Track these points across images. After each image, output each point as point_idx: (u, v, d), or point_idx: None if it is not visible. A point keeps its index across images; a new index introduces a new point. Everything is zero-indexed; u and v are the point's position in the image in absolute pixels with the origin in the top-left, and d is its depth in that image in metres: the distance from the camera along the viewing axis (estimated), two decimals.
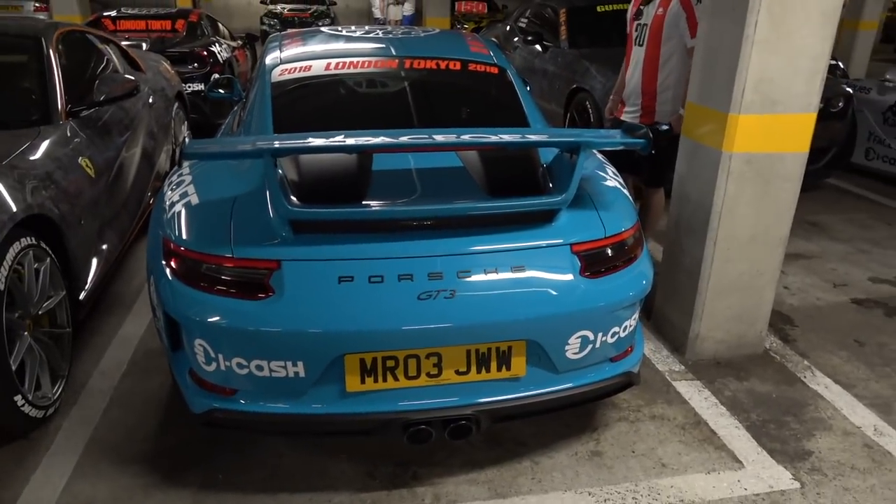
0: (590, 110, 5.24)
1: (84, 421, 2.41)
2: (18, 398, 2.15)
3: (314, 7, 16.27)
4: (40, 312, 2.38)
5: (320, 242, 1.89)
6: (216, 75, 6.31)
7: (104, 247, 3.04)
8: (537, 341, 1.95)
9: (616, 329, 2.08)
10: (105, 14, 7.40)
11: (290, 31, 3.42)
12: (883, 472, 2.25)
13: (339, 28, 3.42)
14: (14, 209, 2.20)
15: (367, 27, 3.50)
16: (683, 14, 3.16)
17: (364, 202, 1.95)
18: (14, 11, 13.09)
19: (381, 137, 1.86)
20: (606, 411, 2.50)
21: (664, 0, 3.22)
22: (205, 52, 6.39)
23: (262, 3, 17.11)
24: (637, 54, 3.37)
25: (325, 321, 1.82)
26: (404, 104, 2.66)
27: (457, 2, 15.27)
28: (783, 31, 2.40)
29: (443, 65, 2.82)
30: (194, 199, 2.13)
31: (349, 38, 3.14)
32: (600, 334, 2.03)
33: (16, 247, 2.19)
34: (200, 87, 6.15)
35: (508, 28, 7.42)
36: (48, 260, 2.44)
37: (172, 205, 2.17)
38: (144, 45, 6.04)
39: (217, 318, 1.85)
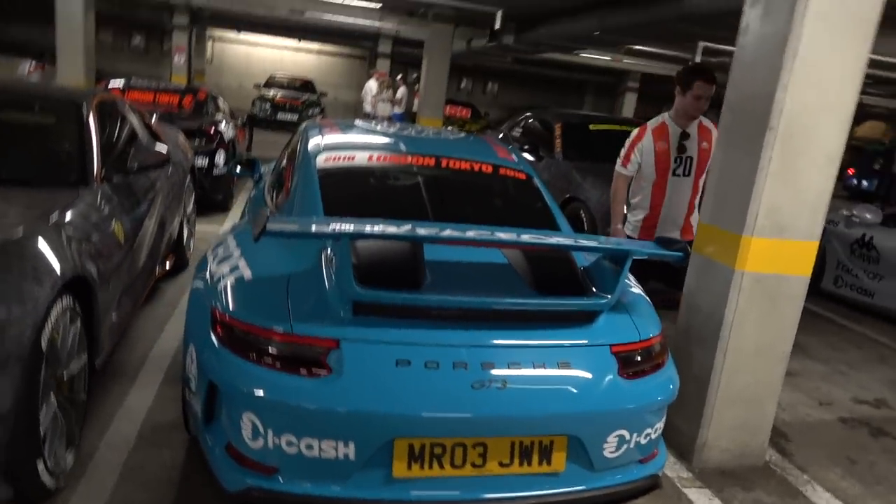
0: (583, 218, 5.51)
1: (93, 496, 2.31)
2: (40, 463, 2.07)
3: (306, 96, 16.90)
4: (63, 378, 2.34)
5: (379, 325, 1.96)
6: (221, 152, 6.49)
7: (120, 313, 3.02)
8: (579, 437, 2.01)
9: (648, 430, 2.15)
10: (115, 82, 7.59)
11: (325, 119, 3.61)
12: None
13: (373, 123, 3.62)
14: (66, 270, 2.22)
15: (399, 125, 3.71)
16: None
17: (422, 289, 2.04)
18: (6, 71, 13.21)
19: (448, 230, 1.99)
20: None
21: (705, 134, 3.52)
22: (212, 130, 6.57)
23: (255, 86, 17.67)
24: (681, 184, 3.53)
25: (381, 403, 1.85)
26: (441, 200, 2.81)
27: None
28: (793, 167, 2.66)
29: (476, 166, 3.00)
30: (247, 273, 2.19)
31: (385, 134, 3.33)
32: (635, 434, 2.11)
33: (58, 306, 2.19)
34: (205, 162, 6.28)
35: (502, 136, 7.83)
36: (78, 322, 2.42)
37: (222, 277, 2.22)
38: (154, 117, 6.19)
39: (273, 393, 1.86)
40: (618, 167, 3.62)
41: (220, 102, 8.30)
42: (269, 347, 1.93)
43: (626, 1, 6.88)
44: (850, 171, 15.94)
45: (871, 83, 13.02)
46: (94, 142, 3.22)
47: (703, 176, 3.48)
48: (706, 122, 3.56)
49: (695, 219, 3.54)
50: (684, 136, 3.48)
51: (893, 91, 14.76)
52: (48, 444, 2.17)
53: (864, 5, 2.52)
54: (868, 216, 5.72)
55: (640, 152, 3.53)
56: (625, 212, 3.70)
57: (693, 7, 5.74)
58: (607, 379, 2.06)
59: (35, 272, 2.09)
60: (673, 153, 3.47)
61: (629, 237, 3.60)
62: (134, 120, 4.27)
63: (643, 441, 2.15)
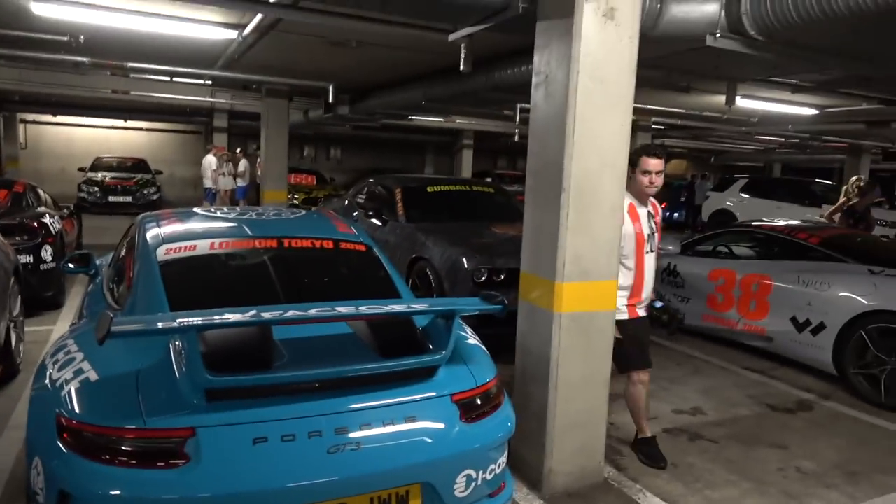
0: (430, 276, 5.86)
1: None
2: None
3: (139, 176, 16.16)
4: None
5: (234, 408, 2.07)
6: (47, 247, 6.13)
7: None
8: (430, 482, 2.22)
9: (492, 466, 2.42)
10: None
11: (162, 210, 3.64)
12: None
13: (212, 209, 3.71)
14: None
15: (238, 208, 3.82)
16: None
17: (272, 368, 2.18)
18: None
19: (291, 311, 2.16)
20: None
21: (655, 210, 3.69)
22: (36, 224, 6.18)
23: (79, 170, 16.60)
24: (651, 260, 3.60)
25: (243, 482, 1.96)
26: (287, 279, 2.97)
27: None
28: (587, 220, 3.15)
29: (317, 243, 3.21)
30: (93, 375, 2.21)
31: (226, 219, 3.44)
32: (481, 472, 2.36)
33: None
34: (30, 259, 5.89)
35: (347, 202, 8.10)
36: None
37: (65, 382, 2.22)
38: None
39: (131, 490, 1.90)
40: None
41: (41, 193, 7.79)
42: (123, 446, 1.97)
43: (443, 75, 7.53)
44: (663, 205, 18.07)
45: (669, 128, 15.01)
46: None
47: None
48: (653, 199, 3.66)
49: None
50: (650, 215, 3.59)
51: (686, 134, 17.11)
52: None
53: (621, 88, 3.11)
54: (669, 248, 6.61)
55: (625, 236, 3.43)
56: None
57: (500, 79, 6.46)
58: (450, 426, 2.31)
59: None
60: (646, 231, 3.52)
61: (621, 321, 3.49)
62: None
63: (489, 477, 2.41)
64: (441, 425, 2.30)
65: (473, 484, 2.33)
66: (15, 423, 3.71)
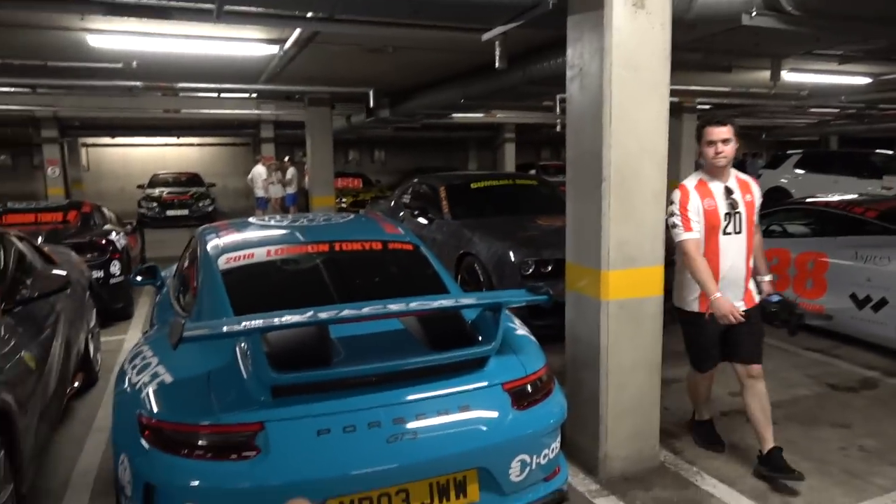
0: (478, 271, 5.95)
1: None
2: None
3: (193, 189, 16.76)
4: None
5: (298, 402, 2.21)
6: (115, 262, 6.49)
7: (38, 438, 3.06)
8: (487, 468, 2.32)
9: (546, 451, 2.50)
10: None
11: (220, 222, 3.84)
12: None
13: (266, 218, 3.89)
14: None
15: (290, 216, 4.00)
16: (760, 199, 3.35)
17: (331, 365, 2.31)
18: None
19: (346, 310, 2.29)
20: None
21: (745, 187, 3.27)
22: (104, 241, 6.55)
23: (138, 187, 17.35)
24: (735, 242, 3.21)
25: (309, 471, 2.09)
26: (340, 281, 3.11)
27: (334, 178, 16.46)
28: (629, 207, 3.18)
29: (367, 245, 3.34)
30: (168, 378, 2.39)
31: (280, 227, 3.62)
32: (534, 456, 2.44)
33: None
34: (100, 274, 6.25)
35: (393, 203, 8.27)
36: (2, 452, 2.50)
37: (144, 385, 2.40)
38: (40, 238, 6.13)
39: (208, 481, 2.06)
40: (681, 236, 3.20)
41: (106, 211, 8.24)
42: (199, 440, 2.13)
43: (480, 73, 7.59)
44: None
45: (715, 108, 14.67)
46: None
47: (754, 233, 3.29)
48: (743, 176, 3.33)
49: (752, 285, 3.32)
50: (728, 191, 3.22)
51: (733, 113, 16.65)
52: None
53: (656, 74, 3.13)
54: None
55: (694, 212, 3.20)
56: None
57: (536, 73, 6.47)
58: (503, 413, 2.40)
59: None
60: (722, 210, 3.19)
61: (691, 313, 3.30)
62: (23, 247, 4.31)
63: (543, 461, 2.49)
64: (494, 413, 2.39)
65: (528, 468, 2.42)
66: (98, 425, 3.98)
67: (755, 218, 3.30)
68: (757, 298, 3.34)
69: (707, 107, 13.99)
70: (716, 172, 3.24)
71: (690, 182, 3.26)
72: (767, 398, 3.36)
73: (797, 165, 14.62)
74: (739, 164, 18.29)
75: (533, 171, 18.26)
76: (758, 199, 3.32)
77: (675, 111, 13.29)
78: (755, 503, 3.08)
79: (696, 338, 3.38)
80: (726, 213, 3.20)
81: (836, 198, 6.50)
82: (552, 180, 9.79)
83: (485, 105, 12.34)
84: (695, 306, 3.28)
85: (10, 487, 2.56)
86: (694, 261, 3.18)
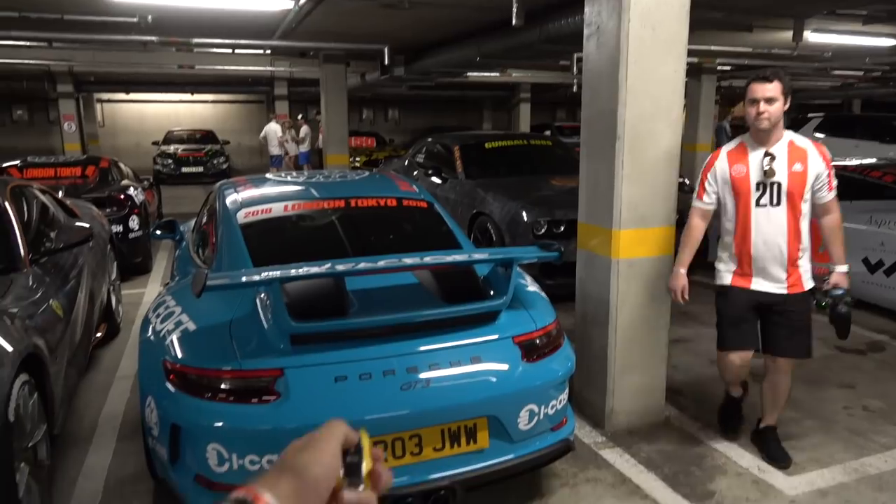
0: (491, 231, 6.00)
1: None
2: None
3: (208, 146, 16.81)
4: (29, 445, 2.54)
5: (316, 351, 2.30)
6: (134, 217, 6.60)
7: (68, 382, 3.20)
8: (496, 416, 2.41)
9: (554, 402, 2.58)
10: (8, 164, 7.51)
11: (238, 178, 3.90)
12: (769, 499, 2.83)
13: (282, 174, 3.94)
14: (19, 348, 2.43)
15: (306, 172, 4.05)
16: (826, 170, 2.86)
17: (348, 315, 2.39)
18: None
19: (362, 263, 2.36)
20: (549, 481, 2.94)
21: (798, 154, 2.83)
22: (122, 196, 6.65)
23: (153, 143, 17.42)
24: (770, 217, 2.85)
25: (326, 415, 2.16)
26: (355, 236, 3.18)
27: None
28: (642, 168, 3.20)
29: (381, 202, 3.39)
30: (191, 326, 2.48)
31: (297, 183, 3.67)
32: (542, 407, 2.53)
33: (18, 382, 2.40)
34: (119, 228, 6.36)
35: (407, 163, 8.28)
36: (35, 395, 2.62)
37: (168, 332, 2.50)
38: (60, 192, 6.23)
39: (231, 422, 2.17)
40: (692, 202, 3.08)
41: (123, 167, 8.33)
42: (222, 385, 2.23)
43: (496, 30, 7.50)
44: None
45: (735, 69, 14.37)
46: (15, 228, 3.39)
47: (801, 207, 2.85)
48: (801, 142, 2.88)
49: (805, 263, 2.93)
50: (768, 157, 2.83)
51: (755, 75, 16.30)
52: None
53: (673, 33, 3.10)
54: None
55: (714, 179, 2.95)
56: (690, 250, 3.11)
57: (554, 31, 6.39)
58: (513, 365, 2.48)
59: None
60: (754, 177, 2.85)
61: (721, 286, 3.06)
62: (47, 200, 4.41)
63: (551, 412, 2.58)
64: (504, 365, 2.47)
65: (536, 418, 2.50)
66: (122, 374, 4.13)
67: (807, 192, 2.84)
68: (808, 285, 2.94)
69: (727, 68, 13.73)
70: (758, 136, 2.87)
71: (729, 146, 2.99)
72: (787, 393, 3.15)
73: (817, 129, 14.37)
74: None
75: (548, 132, 18.08)
76: (815, 169, 2.83)
77: (695, 72, 13.04)
78: (757, 457, 3.17)
79: (722, 311, 3.09)
80: (758, 183, 2.85)
81: (854, 161, 6.43)
82: (567, 141, 9.73)
83: (500, 64, 12.19)
84: (726, 279, 3.05)
85: (44, 428, 2.69)
86: (687, 230, 3.05)
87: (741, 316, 3.02)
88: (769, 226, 2.88)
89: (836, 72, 14.54)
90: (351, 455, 0.62)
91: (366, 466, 0.62)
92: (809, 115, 16.23)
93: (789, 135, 2.88)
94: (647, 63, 3.08)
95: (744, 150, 2.92)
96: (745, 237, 2.93)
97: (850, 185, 5.83)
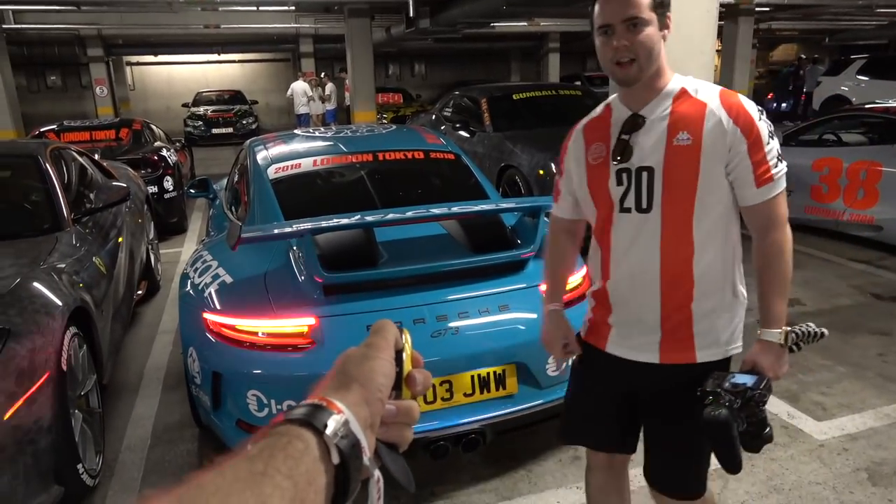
0: (519, 183, 5.98)
1: (127, 488, 2.68)
2: (80, 467, 2.43)
3: (237, 107, 16.89)
4: (81, 394, 2.68)
5: (348, 300, 2.37)
6: (168, 178, 6.73)
7: (114, 335, 3.35)
8: (525, 363, 2.46)
9: None
10: (46, 128, 7.68)
11: (268, 135, 3.95)
12: (798, 444, 2.85)
13: (311, 130, 3.98)
14: (68, 301, 2.55)
15: (334, 128, 4.07)
16: (744, 140, 1.49)
17: (378, 266, 2.45)
18: None
19: (391, 214, 2.40)
20: None
21: (689, 113, 1.52)
22: (156, 157, 6.78)
23: (183, 105, 17.58)
24: (638, 230, 1.58)
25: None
26: (383, 189, 3.21)
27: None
28: None
29: (409, 155, 3.41)
30: (227, 279, 2.57)
31: (325, 138, 3.70)
32: None
33: (68, 334, 2.53)
34: (154, 189, 6.50)
35: (434, 117, 8.23)
36: (85, 347, 2.76)
37: (206, 285, 2.59)
38: (97, 155, 6.38)
39: (270, 369, 2.26)
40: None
41: (156, 129, 8.46)
42: (259, 334, 2.32)
43: None
44: (770, 96, 16.82)
45: (775, 10, 13.81)
46: (58, 189, 3.51)
47: (692, 210, 1.53)
48: (704, 91, 1.55)
49: (707, 317, 1.61)
50: (630, 123, 1.57)
51: (794, 14, 15.65)
52: (82, 451, 2.53)
53: None
54: None
55: (568, 172, 1.74)
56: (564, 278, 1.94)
57: None
58: (540, 312, 2.51)
59: (46, 308, 2.42)
60: (611, 162, 1.60)
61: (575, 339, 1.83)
62: (85, 161, 4.53)
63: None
64: (532, 314, 2.51)
65: (564, 363, 2.54)
66: (164, 328, 4.30)
67: (703, 182, 1.51)
68: (708, 353, 1.61)
69: (766, 8, 13.19)
70: (625, 93, 1.59)
71: (592, 114, 1.72)
72: None
73: (860, 72, 13.76)
74: (795, 70, 17.29)
75: (578, 83, 17.72)
76: (718, 139, 1.49)
77: (731, 14, 12.55)
78: (786, 403, 3.18)
79: (569, 382, 1.93)
80: (618, 171, 1.58)
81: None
82: (598, 91, 9.54)
83: (529, 12, 11.93)
84: (581, 328, 1.84)
85: (94, 378, 2.84)
86: (547, 248, 1.91)
87: (589, 394, 1.81)
88: (635, 247, 1.58)
89: (882, 10, 13.85)
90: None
91: (406, 370, 0.64)
92: (853, 56, 15.56)
93: (682, 81, 1.56)
94: (679, 2, 2.99)
95: (606, 120, 1.64)
96: (603, 264, 1.68)
97: (891, 128, 5.64)
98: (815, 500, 2.50)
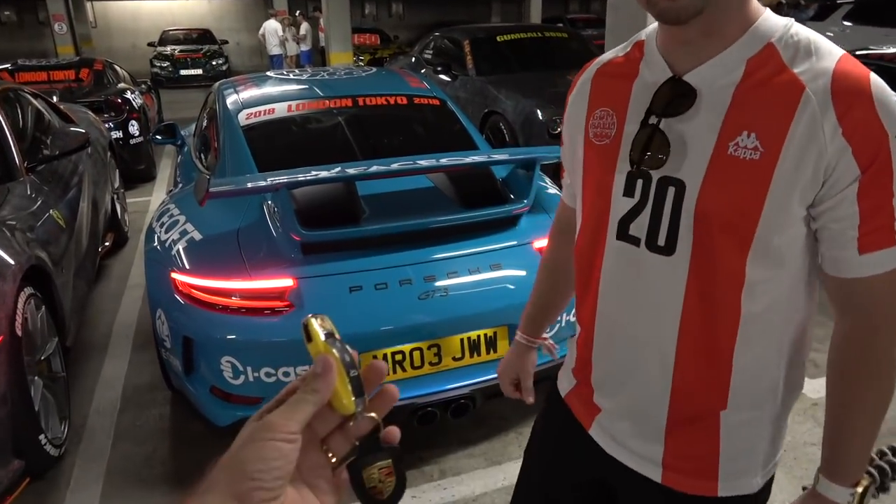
0: (504, 131, 5.76)
1: (95, 456, 2.53)
2: (42, 437, 2.27)
3: (206, 47, 16.12)
4: (41, 359, 2.50)
5: (329, 260, 2.19)
6: (133, 122, 6.37)
7: (76, 293, 3.14)
8: (517, 325, 2.32)
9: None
10: (0, 67, 7.20)
11: (238, 77, 3.67)
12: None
13: (285, 72, 3.70)
14: (20, 260, 2.34)
15: (310, 70, 3.80)
16: (855, 166, 0.80)
17: (360, 222, 2.26)
18: None
19: (375, 166, 2.20)
20: None
21: (769, 108, 0.82)
22: (119, 100, 6.39)
23: (149, 45, 16.74)
24: (652, 279, 0.93)
25: (343, 326, 2.08)
26: (364, 138, 2.99)
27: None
28: None
29: (391, 100, 3.18)
30: (197, 235, 2.37)
31: (300, 81, 3.44)
32: (564, 314, 2.44)
33: (22, 296, 2.32)
34: (119, 134, 6.15)
35: (414, 59, 7.88)
36: (43, 308, 2.56)
37: (173, 242, 2.39)
38: (54, 98, 5.98)
39: (244, 335, 2.10)
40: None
41: (119, 70, 7.98)
42: (233, 297, 2.14)
43: None
44: None
45: None
46: (8, 135, 3.22)
47: (745, 262, 0.87)
48: (808, 59, 0.83)
49: (740, 447, 0.99)
50: (668, 93, 0.88)
51: None
52: (44, 420, 2.36)
53: None
54: None
55: (567, 141, 1.10)
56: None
57: None
58: (533, 272, 2.36)
59: None
60: (623, 155, 0.92)
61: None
62: (40, 105, 4.20)
63: (572, 318, 2.48)
64: (524, 272, 2.36)
65: (558, 325, 2.42)
66: (133, 282, 4.09)
67: (770, 224, 0.85)
68: (725, 491, 1.00)
69: None
70: (669, 33, 0.89)
71: (607, 55, 1.05)
72: None
73: (846, 17, 13.52)
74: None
75: (560, 25, 17.21)
76: (820, 159, 0.80)
77: None
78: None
79: (528, 444, 1.40)
80: (630, 175, 0.92)
81: (892, 49, 6.03)
82: (583, 34, 9.21)
83: None
84: (559, 382, 1.28)
85: (55, 341, 2.65)
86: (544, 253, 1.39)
87: (547, 481, 1.25)
88: (639, 301, 0.97)
89: None
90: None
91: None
92: (839, 1, 15.27)
93: (775, 29, 0.87)
94: None
95: (631, 73, 0.96)
96: (587, 308, 1.08)
97: (887, 76, 5.49)
98: (811, 462, 2.44)
